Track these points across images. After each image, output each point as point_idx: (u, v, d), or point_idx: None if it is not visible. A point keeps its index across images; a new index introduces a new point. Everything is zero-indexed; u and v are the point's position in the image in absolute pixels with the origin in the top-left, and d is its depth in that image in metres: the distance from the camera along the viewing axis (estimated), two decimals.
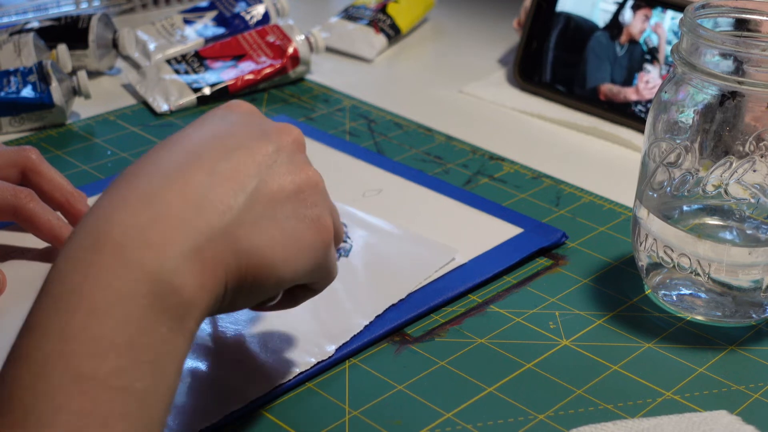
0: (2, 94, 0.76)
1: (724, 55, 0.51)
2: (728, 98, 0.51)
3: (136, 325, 0.36)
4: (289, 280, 0.43)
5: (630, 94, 0.80)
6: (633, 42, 0.81)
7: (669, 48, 0.79)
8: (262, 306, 0.47)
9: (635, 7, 0.81)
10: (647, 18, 0.80)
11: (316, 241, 0.44)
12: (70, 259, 0.37)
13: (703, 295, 0.56)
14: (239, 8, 0.95)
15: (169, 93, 0.83)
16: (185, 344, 0.38)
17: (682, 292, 0.56)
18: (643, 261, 0.57)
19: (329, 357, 0.52)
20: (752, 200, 0.53)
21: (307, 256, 0.43)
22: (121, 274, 0.36)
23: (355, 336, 0.53)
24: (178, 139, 0.42)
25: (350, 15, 0.98)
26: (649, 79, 0.79)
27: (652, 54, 0.79)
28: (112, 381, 0.35)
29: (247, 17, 0.95)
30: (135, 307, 0.36)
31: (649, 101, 0.79)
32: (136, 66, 0.90)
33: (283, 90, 0.86)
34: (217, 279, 0.39)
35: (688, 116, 0.53)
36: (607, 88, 0.82)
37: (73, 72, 0.84)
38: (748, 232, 0.55)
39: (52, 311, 0.36)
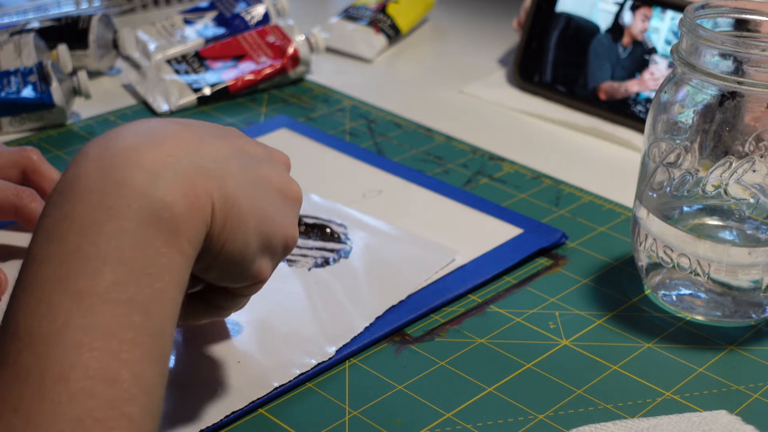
0: (2, 94, 0.76)
1: (724, 55, 0.51)
2: (728, 98, 0.51)
3: (128, 240, 0.37)
4: (254, 248, 0.43)
5: (632, 86, 0.80)
6: (635, 43, 0.81)
7: (669, 48, 0.79)
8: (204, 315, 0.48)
9: (634, 8, 0.81)
10: (647, 18, 0.80)
11: (277, 237, 0.45)
12: (59, 189, 0.38)
13: (702, 295, 0.56)
14: (239, 8, 0.95)
15: (170, 93, 0.83)
16: (183, 262, 0.39)
17: (681, 292, 0.56)
18: (643, 261, 0.57)
19: (329, 358, 0.52)
20: (752, 200, 0.53)
21: (264, 240, 0.44)
22: (111, 193, 0.37)
23: (355, 337, 0.53)
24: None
25: (350, 15, 0.98)
26: (655, 71, 0.79)
27: (653, 54, 0.79)
28: (111, 294, 0.35)
29: (247, 17, 0.95)
30: (126, 221, 0.37)
31: (649, 101, 0.79)
32: (136, 66, 0.90)
33: (283, 90, 0.87)
34: (204, 208, 0.40)
35: (687, 116, 0.53)
36: (608, 85, 0.82)
37: (74, 72, 0.84)
38: (748, 232, 0.55)
39: (45, 239, 0.36)
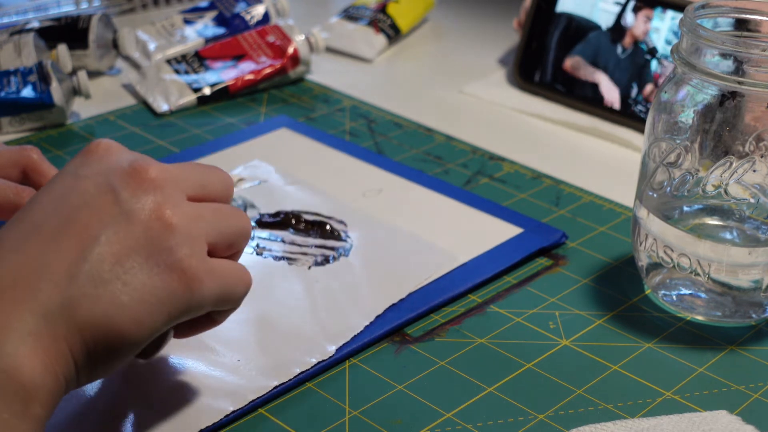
0: (2, 94, 0.76)
1: (724, 55, 0.51)
2: (728, 98, 0.51)
3: None
4: (147, 337, 0.41)
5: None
6: (636, 44, 0.80)
7: (669, 48, 0.79)
8: (153, 351, 0.45)
9: (636, 9, 0.81)
10: (649, 19, 0.80)
11: (176, 290, 0.40)
12: None
13: (703, 295, 0.56)
14: (239, 8, 0.95)
15: (169, 93, 0.83)
16: (35, 427, 0.37)
17: (682, 292, 0.56)
18: (643, 261, 0.57)
19: (329, 357, 0.52)
20: (752, 200, 0.53)
21: (167, 309, 0.40)
22: None
23: (355, 336, 0.53)
24: (28, 206, 0.41)
25: (350, 15, 0.98)
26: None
27: (652, 54, 0.79)
28: None
29: (247, 17, 0.95)
30: None
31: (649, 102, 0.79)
32: (136, 66, 0.90)
33: (283, 90, 0.86)
34: (62, 358, 0.38)
35: (688, 116, 0.53)
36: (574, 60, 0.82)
37: (73, 72, 0.84)
38: (748, 232, 0.55)
39: None
